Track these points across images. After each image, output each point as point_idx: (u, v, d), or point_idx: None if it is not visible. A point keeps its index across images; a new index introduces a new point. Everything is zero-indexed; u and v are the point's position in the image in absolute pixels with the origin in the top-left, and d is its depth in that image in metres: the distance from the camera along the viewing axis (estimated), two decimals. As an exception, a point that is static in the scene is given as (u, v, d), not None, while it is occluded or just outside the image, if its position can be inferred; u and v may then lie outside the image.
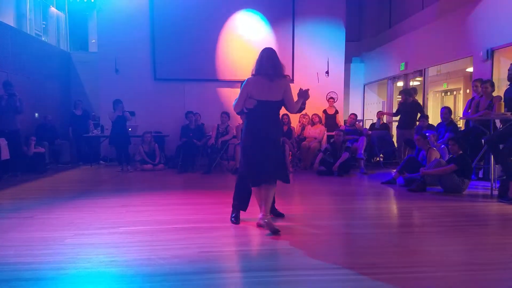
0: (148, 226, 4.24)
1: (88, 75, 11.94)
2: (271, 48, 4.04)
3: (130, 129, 9.12)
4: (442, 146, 7.36)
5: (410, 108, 8.99)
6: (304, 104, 4.17)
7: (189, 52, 10.79)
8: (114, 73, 10.67)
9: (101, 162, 10.32)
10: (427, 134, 7.29)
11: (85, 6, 13.04)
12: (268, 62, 3.90)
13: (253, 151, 3.93)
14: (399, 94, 9.65)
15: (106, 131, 9.66)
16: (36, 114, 10.08)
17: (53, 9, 12.51)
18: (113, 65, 10.63)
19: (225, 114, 8.93)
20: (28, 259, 3.22)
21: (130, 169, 8.77)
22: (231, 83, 10.51)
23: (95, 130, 10.02)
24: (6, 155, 7.66)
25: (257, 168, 3.91)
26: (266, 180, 3.91)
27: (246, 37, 10.80)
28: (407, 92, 9.34)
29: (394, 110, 11.43)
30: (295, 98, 4.07)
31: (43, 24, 11.95)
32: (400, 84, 11.96)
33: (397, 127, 9.44)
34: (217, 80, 10.78)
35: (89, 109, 11.25)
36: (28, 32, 10.77)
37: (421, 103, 9.93)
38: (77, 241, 3.68)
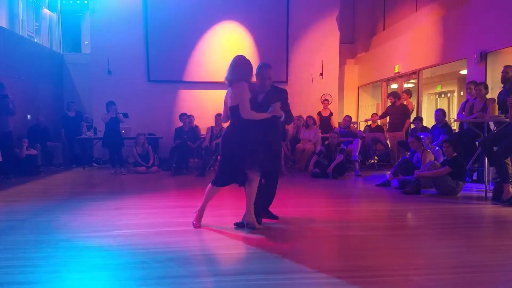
0: (141, 229, 4.20)
1: (81, 76, 11.87)
2: (238, 56, 4.06)
3: (123, 131, 9.07)
4: (437, 148, 7.38)
5: (399, 110, 9.13)
6: (288, 118, 4.16)
7: (183, 54, 10.77)
8: (107, 75, 10.61)
9: (94, 164, 10.26)
10: (421, 136, 7.31)
11: (78, 7, 12.98)
12: (228, 69, 4.02)
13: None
14: (388, 97, 9.74)
15: (99, 133, 9.61)
16: (29, 116, 10.00)
17: (45, 10, 12.44)
18: (106, 66, 10.58)
19: (219, 116, 8.89)
20: (21, 262, 3.18)
21: (124, 171, 8.72)
22: (225, 86, 10.48)
23: (88, 132, 9.96)
24: (-2, 157, 7.59)
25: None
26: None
27: (240, 40, 10.80)
28: (396, 95, 9.44)
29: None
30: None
31: (36, 25, 11.87)
32: (394, 86, 12.00)
33: (388, 130, 9.53)
34: (211, 83, 10.76)
35: (82, 111, 11.17)
36: (21, 33, 10.69)
37: (415, 105, 9.99)
38: (71, 244, 3.64)
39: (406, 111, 9.33)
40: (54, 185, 7.35)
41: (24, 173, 8.24)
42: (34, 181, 7.71)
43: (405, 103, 9.58)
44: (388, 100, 9.68)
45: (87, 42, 12.54)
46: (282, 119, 3.97)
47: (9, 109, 7.83)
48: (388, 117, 9.99)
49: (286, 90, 4.31)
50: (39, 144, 9.22)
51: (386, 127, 10.37)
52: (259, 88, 4.13)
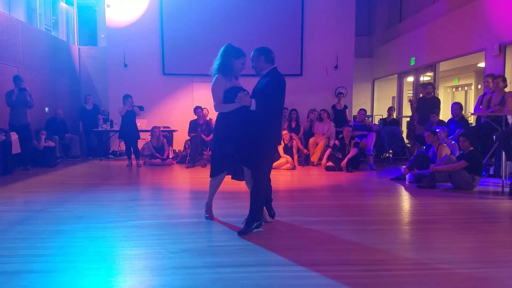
0: (156, 220, 4.26)
1: (97, 69, 11.99)
2: (224, 46, 3.99)
3: (139, 124, 9.16)
4: (453, 142, 7.28)
5: (431, 102, 8.81)
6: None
7: (198, 46, 10.77)
8: (122, 68, 10.71)
9: (110, 156, 10.39)
10: (437, 130, 7.23)
11: (94, 1, 13.08)
12: None
13: None
14: (425, 87, 9.06)
15: (115, 125, 9.72)
16: (46, 109, 10.16)
17: (62, 4, 12.58)
18: (122, 60, 10.67)
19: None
20: (39, 252, 3.26)
21: (139, 163, 8.82)
22: (240, 78, 10.49)
23: (105, 125, 10.09)
24: (17, 149, 7.74)
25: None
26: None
27: (254, 32, 10.76)
28: (433, 86, 9.14)
29: (406, 105, 11.35)
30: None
31: (53, 19, 12.02)
32: (410, 79, 11.86)
33: (417, 122, 9.18)
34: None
35: (99, 104, 11.30)
36: (38, 27, 10.84)
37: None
38: (87, 234, 3.71)
39: (436, 103, 8.97)
40: (71, 177, 7.47)
41: (42, 164, 8.39)
42: (51, 172, 7.85)
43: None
44: (424, 91, 9.08)
45: (103, 36, 12.65)
46: (252, 107, 3.74)
47: (27, 101, 7.96)
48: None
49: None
50: (57, 136, 9.38)
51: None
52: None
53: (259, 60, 3.85)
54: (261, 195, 3.83)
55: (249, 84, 4.18)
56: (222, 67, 3.90)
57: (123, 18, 10.67)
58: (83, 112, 10.60)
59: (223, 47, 3.95)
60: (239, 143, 3.87)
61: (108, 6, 10.81)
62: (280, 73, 3.86)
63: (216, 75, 3.92)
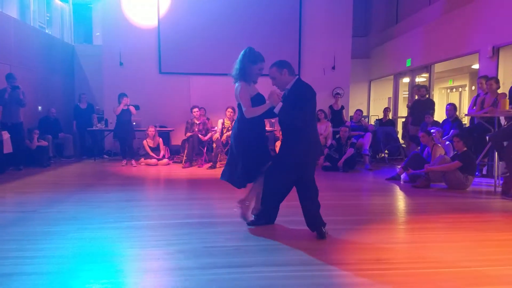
0: (151, 221, 4.24)
1: (92, 68, 11.90)
2: (243, 51, 3.89)
3: (134, 123, 9.12)
4: (447, 142, 7.32)
5: (425, 104, 8.83)
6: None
7: (194, 45, 10.73)
8: (118, 66, 10.65)
9: (105, 156, 10.33)
10: (432, 130, 7.26)
11: (90, -1, 13.01)
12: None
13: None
14: (419, 90, 9.08)
15: (110, 125, 9.66)
16: (40, 107, 10.08)
17: (57, 1, 12.49)
18: (118, 58, 10.61)
19: (231, 109, 8.88)
20: (31, 253, 3.22)
21: (134, 163, 8.78)
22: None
23: (99, 124, 10.02)
24: (9, 148, 7.64)
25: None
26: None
27: (252, 31, 10.73)
28: (427, 89, 9.21)
29: (402, 106, 11.38)
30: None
31: (47, 16, 11.93)
32: (406, 80, 11.89)
33: (411, 123, 9.15)
34: (223, 74, 10.71)
35: (93, 103, 11.24)
36: (32, 24, 10.75)
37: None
38: (80, 236, 3.68)
39: (431, 105, 8.99)
40: (65, 177, 7.42)
41: (34, 164, 8.30)
42: (44, 172, 7.79)
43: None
44: (419, 93, 9.09)
45: (98, 34, 12.58)
46: (276, 110, 3.61)
47: (19, 100, 7.87)
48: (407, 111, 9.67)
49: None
50: (50, 135, 9.30)
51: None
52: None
53: (282, 73, 3.69)
54: (271, 198, 3.90)
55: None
56: (241, 72, 3.83)
57: (119, 16, 10.61)
58: (77, 111, 10.54)
59: (243, 51, 3.88)
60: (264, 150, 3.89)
61: (104, 3, 10.75)
62: (307, 84, 3.71)
63: (239, 83, 3.82)
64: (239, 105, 3.87)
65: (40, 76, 10.16)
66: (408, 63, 10.88)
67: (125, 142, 8.83)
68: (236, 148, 3.90)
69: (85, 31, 13.79)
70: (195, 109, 9.26)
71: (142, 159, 9.02)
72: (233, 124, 4.08)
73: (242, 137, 3.86)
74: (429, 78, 10.22)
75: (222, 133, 8.79)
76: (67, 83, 11.72)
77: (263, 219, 4.03)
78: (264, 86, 4.05)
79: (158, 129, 9.53)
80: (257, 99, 3.80)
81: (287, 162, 3.68)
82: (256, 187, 3.97)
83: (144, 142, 9.10)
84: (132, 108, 8.70)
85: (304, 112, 3.57)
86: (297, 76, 3.77)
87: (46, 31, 11.63)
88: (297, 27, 10.97)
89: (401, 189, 6.23)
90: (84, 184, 6.56)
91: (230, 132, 8.57)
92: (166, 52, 10.77)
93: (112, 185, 6.45)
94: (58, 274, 2.82)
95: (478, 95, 7.20)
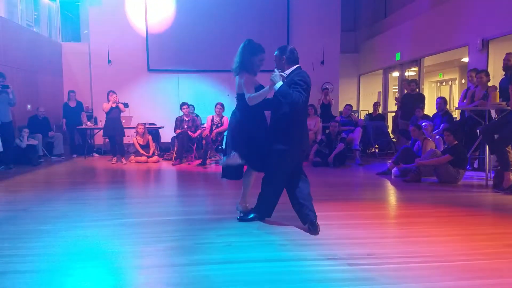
0: (142, 218, 4.22)
1: (81, 66, 11.78)
2: (243, 43, 3.89)
3: (124, 121, 9.06)
4: (437, 136, 7.36)
5: (415, 98, 8.88)
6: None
7: (183, 42, 10.70)
8: (107, 64, 10.57)
9: (95, 154, 10.26)
10: (423, 124, 7.30)
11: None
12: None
13: None
14: (409, 84, 9.10)
15: (100, 122, 9.60)
16: (29, 106, 9.97)
17: (44, -1, 12.33)
18: (106, 56, 10.53)
19: (220, 105, 8.85)
20: (22, 252, 3.19)
21: (124, 161, 8.73)
22: (225, 74, 10.45)
23: (89, 122, 9.95)
24: (-1, 147, 7.58)
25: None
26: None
27: (240, 27, 10.71)
28: (417, 83, 9.26)
29: (392, 101, 11.42)
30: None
31: (35, 14, 11.78)
32: (395, 74, 11.94)
33: (401, 117, 9.21)
34: (211, 71, 10.71)
35: (82, 101, 11.14)
36: (19, 23, 10.61)
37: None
38: (71, 233, 3.65)
39: (421, 99, 9.04)
40: (55, 175, 7.36)
41: (25, 163, 8.23)
42: (35, 171, 7.72)
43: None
44: (409, 88, 9.09)
45: (86, 32, 12.45)
46: (277, 87, 3.55)
47: (9, 99, 7.80)
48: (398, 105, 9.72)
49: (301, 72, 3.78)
50: (40, 134, 9.21)
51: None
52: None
53: (282, 60, 3.73)
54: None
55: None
56: (242, 65, 3.80)
57: (107, 14, 10.52)
58: (66, 109, 10.44)
59: (242, 44, 3.86)
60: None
61: (91, 1, 10.65)
62: (306, 73, 3.72)
63: (242, 74, 3.78)
64: (239, 96, 3.85)
65: (29, 75, 10.04)
66: (398, 57, 10.92)
67: (114, 140, 8.78)
68: (236, 137, 3.86)
69: (72, 29, 13.65)
70: (185, 106, 9.22)
71: (132, 157, 8.98)
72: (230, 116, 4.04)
73: (243, 126, 3.84)
74: (419, 72, 10.27)
75: (211, 130, 8.75)
76: (56, 81, 11.60)
77: (260, 214, 4.01)
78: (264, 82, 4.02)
79: (147, 126, 9.47)
80: (260, 90, 3.77)
81: (277, 150, 3.69)
82: (245, 183, 4.00)
83: (134, 139, 9.05)
84: (121, 106, 8.64)
85: (304, 94, 3.57)
86: (298, 65, 3.78)
87: (34, 29, 11.49)
88: (285, 22, 10.97)
89: (392, 183, 6.26)
90: (75, 182, 6.51)
91: (220, 128, 8.67)
92: (154, 49, 10.72)
93: (103, 183, 6.41)
94: (50, 272, 2.80)
95: (468, 88, 7.25)
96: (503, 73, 6.07)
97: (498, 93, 5.80)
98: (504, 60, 6.02)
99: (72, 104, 10.38)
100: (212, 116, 8.95)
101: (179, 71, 10.81)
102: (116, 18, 10.55)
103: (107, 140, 9.58)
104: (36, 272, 2.80)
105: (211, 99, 10.00)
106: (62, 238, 3.52)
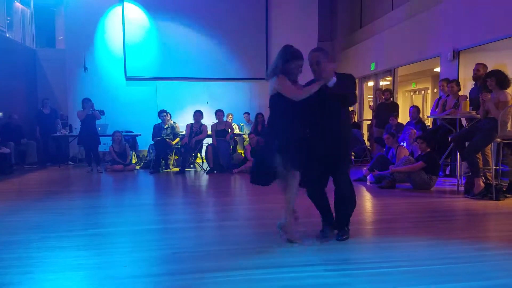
0: (118, 227, 4.16)
1: (56, 73, 11.60)
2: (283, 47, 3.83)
3: (99, 129, 8.93)
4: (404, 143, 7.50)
5: (390, 107, 9.06)
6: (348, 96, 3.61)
7: (161, 50, 10.66)
8: (82, 71, 10.43)
9: (70, 162, 10.08)
10: (411, 128, 7.45)
11: (52, 1, 12.68)
12: None
13: None
14: (383, 93, 9.34)
15: (75, 130, 9.44)
16: (0, 113, 9.74)
17: (18, 4, 12.10)
18: (82, 62, 10.39)
19: (199, 113, 8.81)
20: (-7, 264, 3.11)
21: (100, 169, 8.59)
22: (204, 81, 10.44)
23: (63, 130, 9.77)
24: (-32, 156, 7.37)
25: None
26: None
27: (219, 36, 10.72)
28: (391, 92, 9.45)
29: (367, 109, 11.59)
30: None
31: (8, 19, 11.55)
32: (370, 83, 12.15)
33: (375, 126, 9.39)
34: (190, 78, 10.68)
35: (57, 108, 10.95)
36: (-9, 28, 10.40)
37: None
38: (44, 244, 3.56)
39: (395, 108, 9.22)
40: (28, 184, 7.19)
41: (-4, 172, 8.03)
42: (6, 180, 7.52)
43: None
44: (382, 97, 9.33)
45: (61, 38, 12.27)
46: (331, 83, 3.51)
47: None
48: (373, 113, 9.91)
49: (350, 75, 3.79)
50: (12, 142, 8.99)
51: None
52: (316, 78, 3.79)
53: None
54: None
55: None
56: (276, 70, 3.69)
57: (83, 20, 10.39)
58: (40, 116, 10.23)
59: (280, 50, 3.80)
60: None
61: (67, 7, 10.51)
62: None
63: (275, 77, 3.65)
64: (272, 97, 3.68)
65: (1, 81, 9.82)
66: (373, 67, 11.13)
67: (90, 148, 8.63)
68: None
69: (47, 35, 13.42)
70: (163, 113, 9.16)
71: (108, 165, 8.84)
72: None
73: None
74: (393, 82, 10.49)
75: (190, 137, 8.71)
76: (29, 88, 11.37)
77: (325, 222, 3.87)
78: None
79: (124, 134, 9.36)
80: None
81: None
82: (287, 199, 3.74)
83: (110, 147, 8.92)
84: (97, 113, 8.52)
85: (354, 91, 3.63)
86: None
87: (7, 35, 11.26)
88: (263, 32, 11.05)
89: (367, 190, 6.35)
90: (48, 191, 6.37)
91: (199, 136, 8.63)
92: (131, 57, 10.64)
93: (77, 192, 6.30)
94: (22, 284, 2.73)
95: (440, 97, 7.44)
96: (473, 82, 6.27)
97: (468, 102, 5.99)
98: (474, 70, 6.22)
99: (46, 111, 10.19)
100: (191, 124, 8.92)
101: (158, 78, 10.74)
102: (92, 24, 10.43)
103: (82, 148, 9.42)
104: (8, 285, 2.72)
105: (189, 107, 9.96)
106: (34, 249, 3.43)
